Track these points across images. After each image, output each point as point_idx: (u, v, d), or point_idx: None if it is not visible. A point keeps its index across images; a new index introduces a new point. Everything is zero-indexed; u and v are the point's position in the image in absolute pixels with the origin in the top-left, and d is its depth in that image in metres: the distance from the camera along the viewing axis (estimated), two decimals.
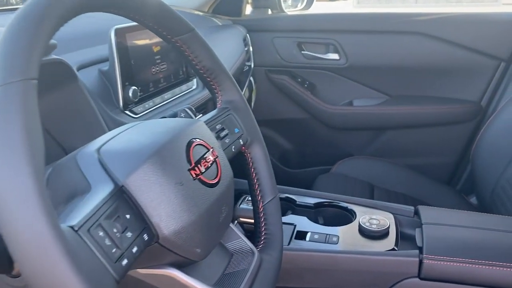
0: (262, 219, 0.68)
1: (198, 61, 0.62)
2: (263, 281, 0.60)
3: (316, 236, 0.86)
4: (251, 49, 1.58)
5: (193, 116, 0.76)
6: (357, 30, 1.59)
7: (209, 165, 0.51)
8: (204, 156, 0.51)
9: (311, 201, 0.98)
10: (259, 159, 0.62)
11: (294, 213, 0.97)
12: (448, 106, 1.56)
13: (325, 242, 0.84)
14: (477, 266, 0.75)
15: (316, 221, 0.94)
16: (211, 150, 0.53)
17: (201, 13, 1.59)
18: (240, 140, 0.66)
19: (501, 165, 1.32)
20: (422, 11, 1.57)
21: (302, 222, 0.91)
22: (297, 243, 0.84)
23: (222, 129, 0.64)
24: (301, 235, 0.86)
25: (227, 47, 1.35)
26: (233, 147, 0.63)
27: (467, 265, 0.76)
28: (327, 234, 0.86)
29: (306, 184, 1.52)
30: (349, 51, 1.59)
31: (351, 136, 1.68)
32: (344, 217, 0.95)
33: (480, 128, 1.41)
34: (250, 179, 0.63)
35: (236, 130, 0.66)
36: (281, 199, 0.99)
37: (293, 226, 0.89)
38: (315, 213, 0.97)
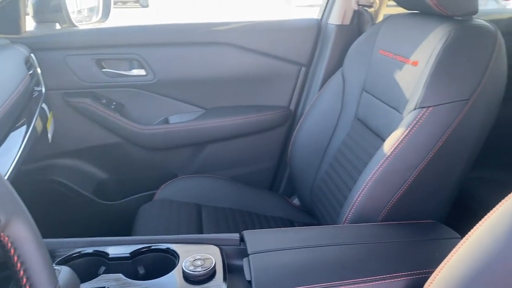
0: None
1: None
2: None
3: None
4: (39, 71, 1.34)
5: None
6: (162, 43, 1.49)
7: None
8: None
9: (127, 250, 0.83)
10: (24, 242, 0.45)
11: (107, 270, 0.81)
12: (261, 113, 1.58)
13: None
14: None
15: (135, 275, 0.81)
16: None
17: None
18: None
19: (315, 165, 1.38)
20: (225, 21, 1.55)
21: (117, 281, 0.76)
22: None
23: None
24: None
25: (1, 73, 1.10)
26: None
27: None
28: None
29: (129, 215, 1.36)
30: (155, 65, 1.48)
31: (172, 155, 1.57)
32: (168, 261, 0.83)
33: (293, 131, 1.46)
34: (14, 273, 0.45)
35: None
36: (89, 254, 0.82)
37: None
38: (133, 264, 0.83)
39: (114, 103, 1.48)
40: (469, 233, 0.66)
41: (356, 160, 1.17)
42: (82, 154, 1.52)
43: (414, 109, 0.94)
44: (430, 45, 0.98)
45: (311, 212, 1.40)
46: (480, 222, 0.66)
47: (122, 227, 1.30)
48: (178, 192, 1.41)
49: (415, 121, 0.92)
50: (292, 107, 1.61)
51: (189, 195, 1.39)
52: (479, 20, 1.01)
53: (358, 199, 0.95)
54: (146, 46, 1.47)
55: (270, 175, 1.66)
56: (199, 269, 0.76)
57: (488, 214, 0.65)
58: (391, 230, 0.91)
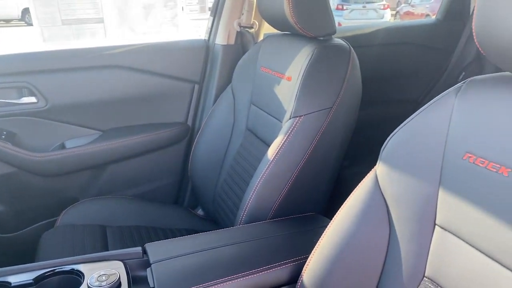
0: None
1: None
2: None
3: None
4: None
5: None
6: (52, 69, 1.48)
7: None
8: None
9: (30, 276, 0.85)
10: None
11: None
12: (159, 131, 1.64)
13: None
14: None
15: None
16: None
17: None
18: None
19: (214, 176, 1.48)
20: (116, 44, 1.59)
21: None
22: None
23: None
24: None
25: None
26: None
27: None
28: None
29: (32, 245, 1.34)
30: (47, 92, 1.47)
31: (72, 180, 1.56)
32: (73, 282, 0.86)
33: (192, 146, 1.55)
34: None
35: None
36: None
37: None
38: None
39: (5, 132, 1.44)
40: (333, 218, 0.80)
41: (249, 166, 1.29)
42: None
43: (290, 118, 1.08)
44: (299, 62, 1.14)
45: (214, 220, 1.50)
46: (340, 208, 0.80)
47: (25, 257, 1.27)
48: (80, 216, 1.42)
49: (291, 129, 1.06)
50: (189, 122, 1.69)
51: (93, 218, 1.40)
52: (336, 39, 1.19)
53: (250, 201, 1.07)
54: (35, 73, 1.46)
55: (173, 190, 1.72)
56: (104, 283, 0.81)
57: (346, 200, 0.80)
58: (278, 225, 1.03)
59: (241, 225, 1.06)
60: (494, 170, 0.58)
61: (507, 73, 0.64)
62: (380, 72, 1.92)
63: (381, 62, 1.92)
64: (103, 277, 0.83)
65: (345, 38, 1.22)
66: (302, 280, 0.81)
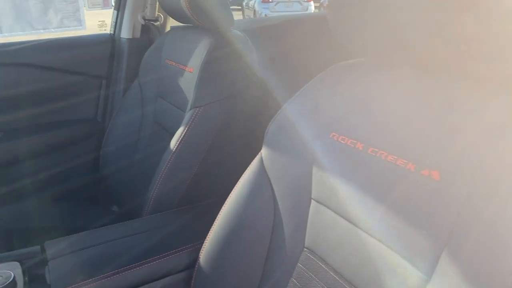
0: None
1: None
2: None
3: None
4: None
5: None
6: None
7: None
8: None
9: None
10: None
11: None
12: (70, 127, 1.59)
13: None
14: (99, 281, 0.82)
15: None
16: None
17: None
18: None
19: (125, 172, 1.47)
20: (19, 41, 1.52)
21: None
22: None
23: None
24: None
25: None
26: None
27: (92, 284, 0.81)
28: None
29: None
30: None
31: None
32: None
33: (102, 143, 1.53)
34: None
35: None
36: None
37: None
38: None
39: None
40: (226, 201, 0.85)
41: (158, 159, 1.30)
42: None
43: (190, 109, 1.11)
44: (199, 53, 1.16)
45: (129, 215, 1.49)
46: (232, 191, 0.84)
47: None
48: None
49: (191, 119, 1.09)
50: (99, 118, 1.66)
51: None
52: (235, 31, 1.23)
53: (155, 191, 1.09)
54: None
55: (86, 189, 1.68)
56: None
57: (237, 183, 0.84)
58: (181, 213, 1.06)
59: (145, 216, 1.08)
60: (352, 145, 0.65)
61: (362, 59, 0.71)
62: None
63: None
64: None
65: (246, 30, 1.27)
66: (199, 263, 0.84)
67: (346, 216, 0.66)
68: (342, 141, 0.67)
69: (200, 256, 0.84)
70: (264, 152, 0.81)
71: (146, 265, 0.85)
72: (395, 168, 0.58)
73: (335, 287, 0.66)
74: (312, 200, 0.73)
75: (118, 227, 0.99)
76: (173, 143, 1.10)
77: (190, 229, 0.98)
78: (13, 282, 0.81)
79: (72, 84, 1.60)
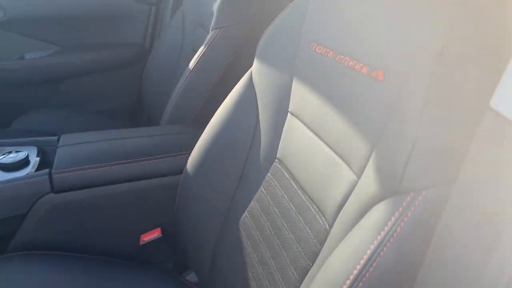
0: None
1: None
2: None
3: None
4: None
5: None
6: None
7: None
8: None
9: None
10: None
11: None
12: (118, 50, 1.69)
13: None
14: (99, 168, 0.90)
15: None
16: None
17: None
18: None
19: (164, 97, 1.54)
20: None
21: None
22: None
23: None
24: None
25: None
26: None
27: (92, 169, 0.89)
28: None
29: None
30: (5, 3, 1.52)
31: (29, 91, 1.64)
32: None
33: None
34: None
35: None
36: None
37: None
38: None
39: None
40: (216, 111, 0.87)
41: None
42: None
43: (212, 30, 1.13)
44: None
45: None
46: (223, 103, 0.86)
47: None
48: (35, 123, 1.50)
49: (211, 40, 1.11)
50: (146, 44, 1.74)
51: (47, 126, 1.48)
52: None
53: (172, 103, 1.14)
54: None
55: (129, 111, 1.78)
56: (11, 159, 0.90)
57: (228, 95, 0.86)
58: (190, 126, 1.11)
59: (159, 125, 1.14)
60: (325, 54, 0.64)
61: None
62: None
63: None
64: (11, 154, 0.91)
65: None
66: (186, 168, 0.89)
67: (312, 127, 0.66)
68: (318, 51, 0.66)
69: (188, 161, 0.88)
70: (254, 65, 0.81)
71: (144, 161, 0.92)
72: (352, 72, 0.57)
73: (292, 194, 0.67)
74: (288, 113, 0.73)
75: (131, 130, 1.07)
76: (192, 62, 1.13)
77: (192, 139, 1.02)
78: (26, 160, 0.92)
79: (123, 8, 1.68)
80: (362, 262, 0.41)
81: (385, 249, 0.40)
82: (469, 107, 0.41)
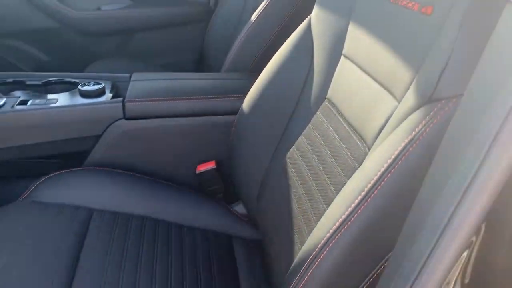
0: None
1: None
2: None
3: (37, 101, 0.98)
4: None
5: None
6: None
7: None
8: None
9: (40, 79, 1.08)
10: None
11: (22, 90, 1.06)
12: (183, 7, 1.79)
13: (45, 105, 0.98)
14: (165, 101, 1.00)
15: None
16: None
17: None
18: None
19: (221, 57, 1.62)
20: None
21: (27, 95, 1.02)
22: (19, 108, 0.96)
23: None
24: (24, 103, 0.98)
25: None
26: None
27: (159, 102, 1.00)
28: (48, 99, 1.00)
29: None
30: None
31: (102, 40, 1.77)
32: (71, 86, 1.09)
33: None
34: None
35: None
36: (8, 83, 1.07)
37: (16, 98, 0.99)
38: (44, 90, 1.08)
39: None
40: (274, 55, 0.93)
41: None
42: (24, 35, 1.71)
43: None
44: None
45: None
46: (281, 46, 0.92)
47: None
48: (106, 70, 1.63)
49: None
50: (212, 4, 1.82)
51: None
52: None
53: (232, 53, 1.22)
54: None
55: (193, 66, 1.88)
56: (90, 87, 1.02)
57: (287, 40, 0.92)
58: (248, 76, 1.18)
59: (223, 72, 1.23)
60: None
61: None
62: None
63: None
64: (91, 84, 1.04)
65: None
66: (242, 105, 0.96)
67: (362, 66, 0.71)
68: None
69: (242, 106, 0.96)
70: (314, 12, 0.87)
71: (204, 99, 1.01)
72: (404, 10, 0.61)
73: (337, 126, 0.73)
74: (342, 56, 0.78)
75: (194, 74, 1.16)
76: (255, 14, 1.19)
77: (248, 84, 1.10)
78: (103, 90, 1.04)
79: None
80: (389, 161, 0.47)
81: (411, 149, 0.46)
82: None
